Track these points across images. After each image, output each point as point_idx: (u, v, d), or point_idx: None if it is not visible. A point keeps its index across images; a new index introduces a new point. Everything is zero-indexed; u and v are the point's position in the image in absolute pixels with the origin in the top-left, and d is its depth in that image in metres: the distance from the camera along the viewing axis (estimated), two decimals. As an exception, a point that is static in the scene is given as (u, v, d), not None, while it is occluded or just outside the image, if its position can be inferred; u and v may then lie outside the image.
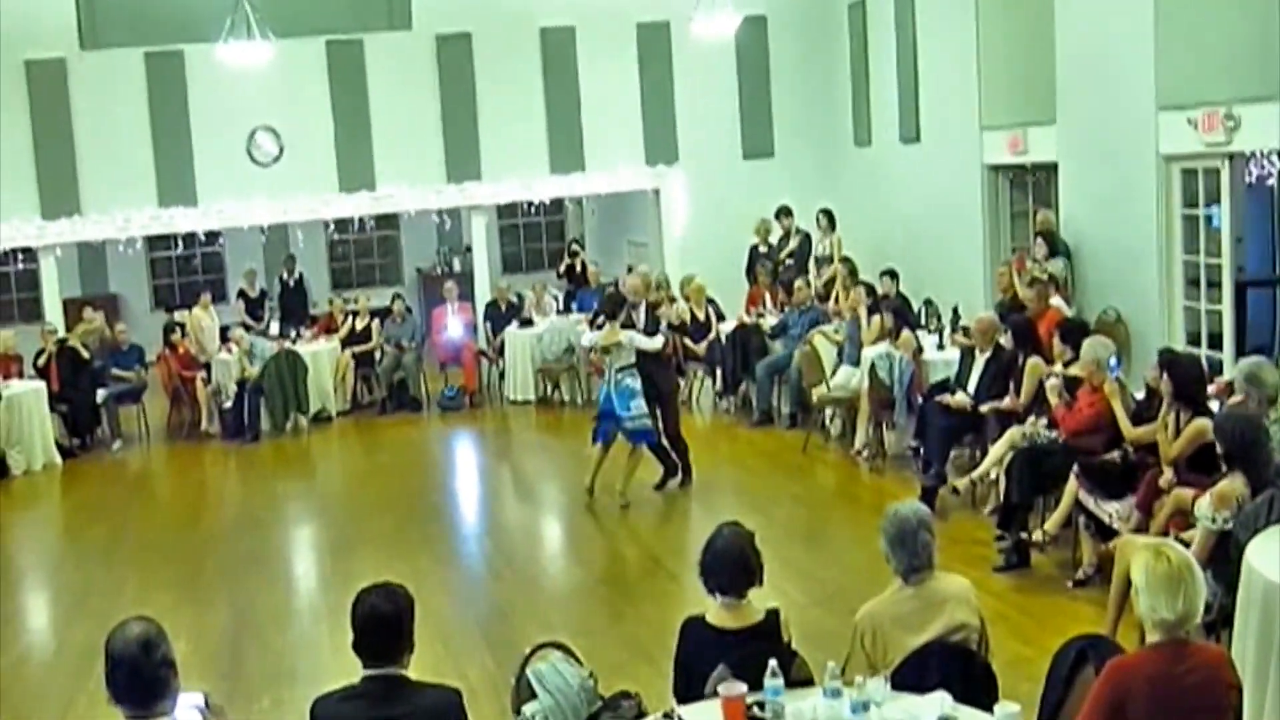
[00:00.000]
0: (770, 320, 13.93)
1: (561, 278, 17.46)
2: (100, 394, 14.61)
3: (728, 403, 14.05)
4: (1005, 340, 9.77)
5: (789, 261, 15.25)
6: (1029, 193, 14.01)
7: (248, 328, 16.33)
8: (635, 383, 10.52)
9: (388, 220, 20.20)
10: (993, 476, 9.05)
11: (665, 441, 10.97)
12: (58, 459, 13.85)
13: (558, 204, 19.29)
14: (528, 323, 15.68)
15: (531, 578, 9.35)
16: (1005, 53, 13.71)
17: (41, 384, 14.04)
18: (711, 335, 14.19)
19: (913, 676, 4.68)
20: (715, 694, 4.53)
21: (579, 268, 17.38)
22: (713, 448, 12.71)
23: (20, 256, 16.67)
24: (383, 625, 4.19)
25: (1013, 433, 8.93)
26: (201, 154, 15.94)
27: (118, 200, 15.77)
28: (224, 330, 16.35)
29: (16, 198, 15.36)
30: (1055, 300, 11.13)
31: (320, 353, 15.32)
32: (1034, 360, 9.39)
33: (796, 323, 13.26)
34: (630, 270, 15.01)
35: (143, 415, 15.08)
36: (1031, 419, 8.95)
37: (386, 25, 16.53)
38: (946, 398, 9.96)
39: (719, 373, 14.01)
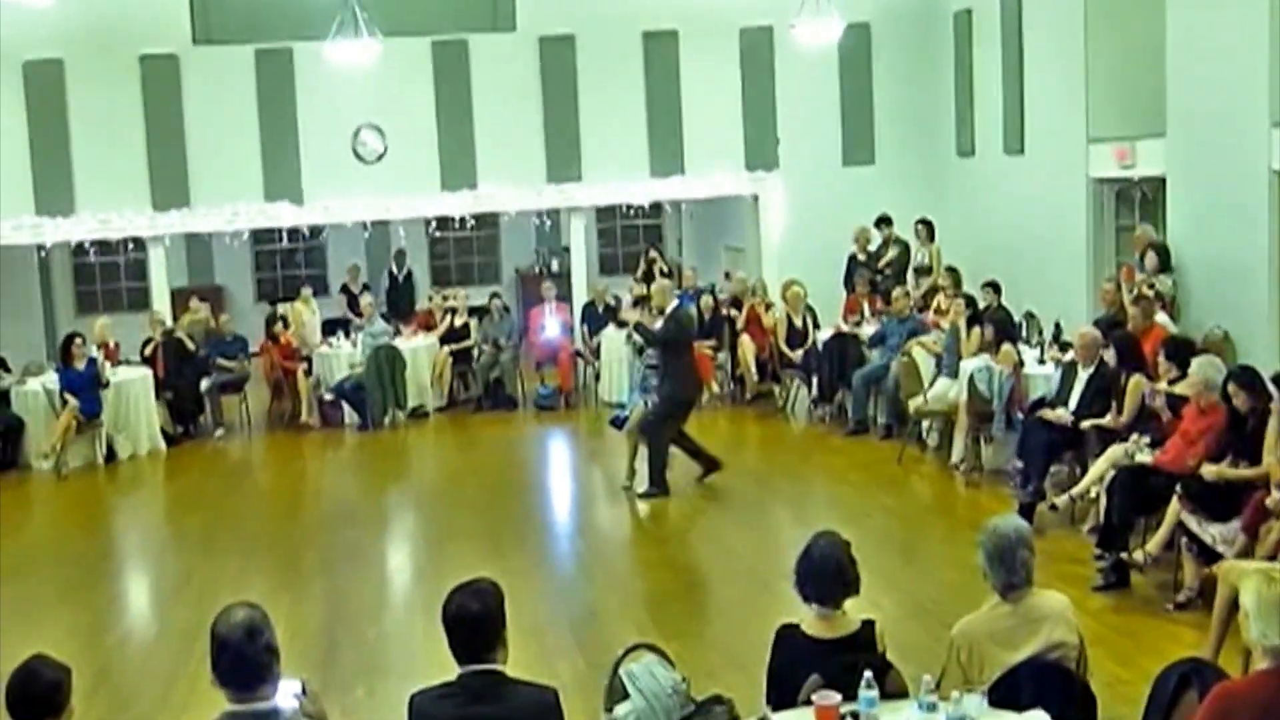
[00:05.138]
0: (868, 329, 13.84)
1: (639, 281, 17.49)
2: (204, 383, 14.92)
3: (823, 411, 13.97)
4: (1109, 355, 9.61)
5: (887, 271, 15.14)
6: (1135, 207, 13.76)
7: (347, 323, 16.58)
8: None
9: (488, 219, 20.35)
10: (1093, 494, 8.90)
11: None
12: (162, 445, 14.19)
13: (656, 207, 19.28)
14: (624, 324, 15.69)
15: (623, 579, 9.38)
16: (1114, 63, 13.47)
17: (148, 371, 14.38)
18: (809, 343, 14.15)
19: (1009, 694, 4.64)
20: (809, 702, 4.52)
21: (657, 273, 17.39)
22: (806, 457, 12.68)
23: (130, 246, 17.06)
24: (471, 624, 4.20)
25: (1114, 450, 8.78)
26: (307, 150, 16.21)
27: (225, 194, 16.08)
28: (325, 324, 16.60)
29: (129, 189, 15.77)
30: (1160, 317, 10.93)
31: (419, 349, 15.50)
32: (1137, 377, 9.22)
33: (895, 332, 13.12)
34: (727, 276, 14.97)
35: (245, 405, 15.37)
36: (1135, 436, 8.80)
37: (491, 26, 16.67)
38: (1047, 412, 9.81)
39: (814, 381, 13.95)
